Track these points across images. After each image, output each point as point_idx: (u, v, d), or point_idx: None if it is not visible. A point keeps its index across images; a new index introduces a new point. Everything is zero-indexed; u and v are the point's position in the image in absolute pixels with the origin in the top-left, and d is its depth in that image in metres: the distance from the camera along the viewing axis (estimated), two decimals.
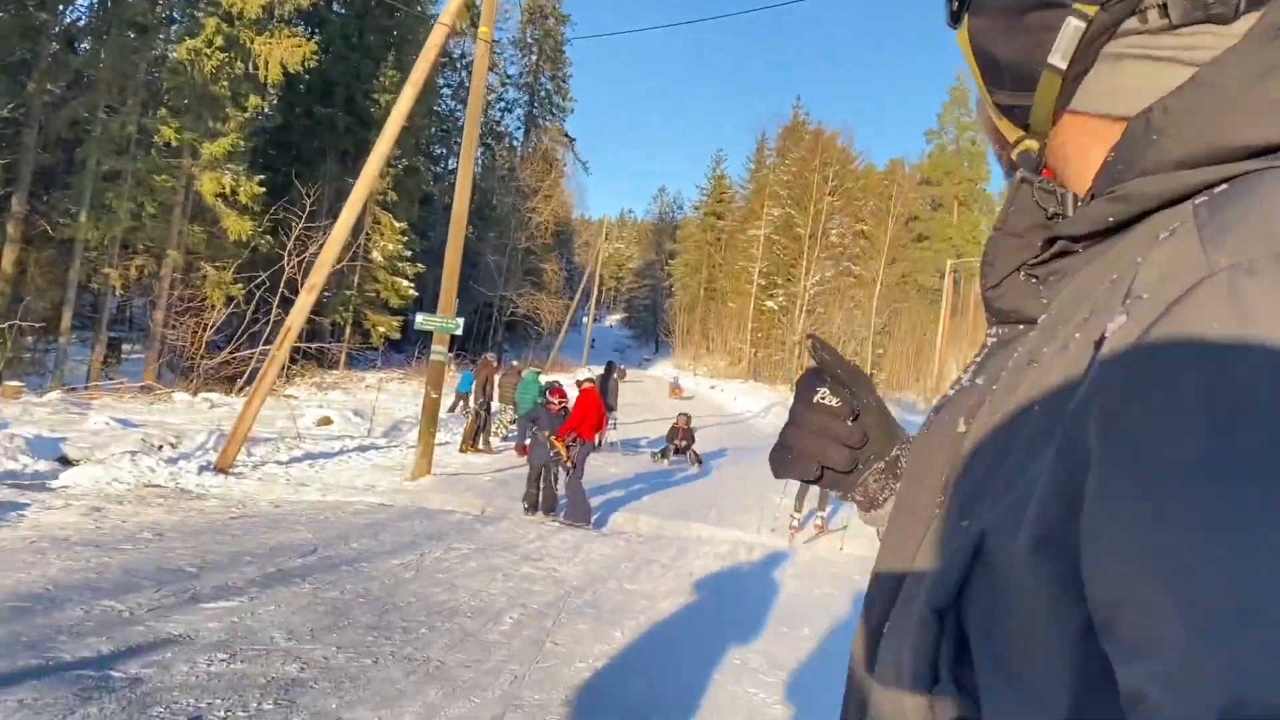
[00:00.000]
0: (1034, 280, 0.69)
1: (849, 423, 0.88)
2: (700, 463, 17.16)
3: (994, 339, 0.72)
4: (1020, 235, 0.70)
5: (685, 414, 18.43)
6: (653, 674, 5.30)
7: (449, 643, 5.37)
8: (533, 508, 10.81)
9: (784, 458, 0.90)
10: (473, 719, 4.31)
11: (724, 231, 62.99)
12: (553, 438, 10.45)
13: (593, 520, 10.65)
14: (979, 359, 0.72)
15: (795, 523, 11.38)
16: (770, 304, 51.72)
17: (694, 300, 62.29)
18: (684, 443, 17.42)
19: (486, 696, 4.61)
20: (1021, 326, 0.69)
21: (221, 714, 4.00)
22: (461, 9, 12.69)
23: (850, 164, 53.19)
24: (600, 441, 16.17)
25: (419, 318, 13.48)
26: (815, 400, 0.89)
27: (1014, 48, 0.66)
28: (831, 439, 0.88)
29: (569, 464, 10.55)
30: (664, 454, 17.51)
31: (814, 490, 11.20)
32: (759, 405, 39.34)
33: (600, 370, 23.85)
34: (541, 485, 10.90)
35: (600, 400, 11.76)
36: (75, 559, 6.19)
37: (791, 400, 0.93)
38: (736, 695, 5.14)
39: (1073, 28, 0.61)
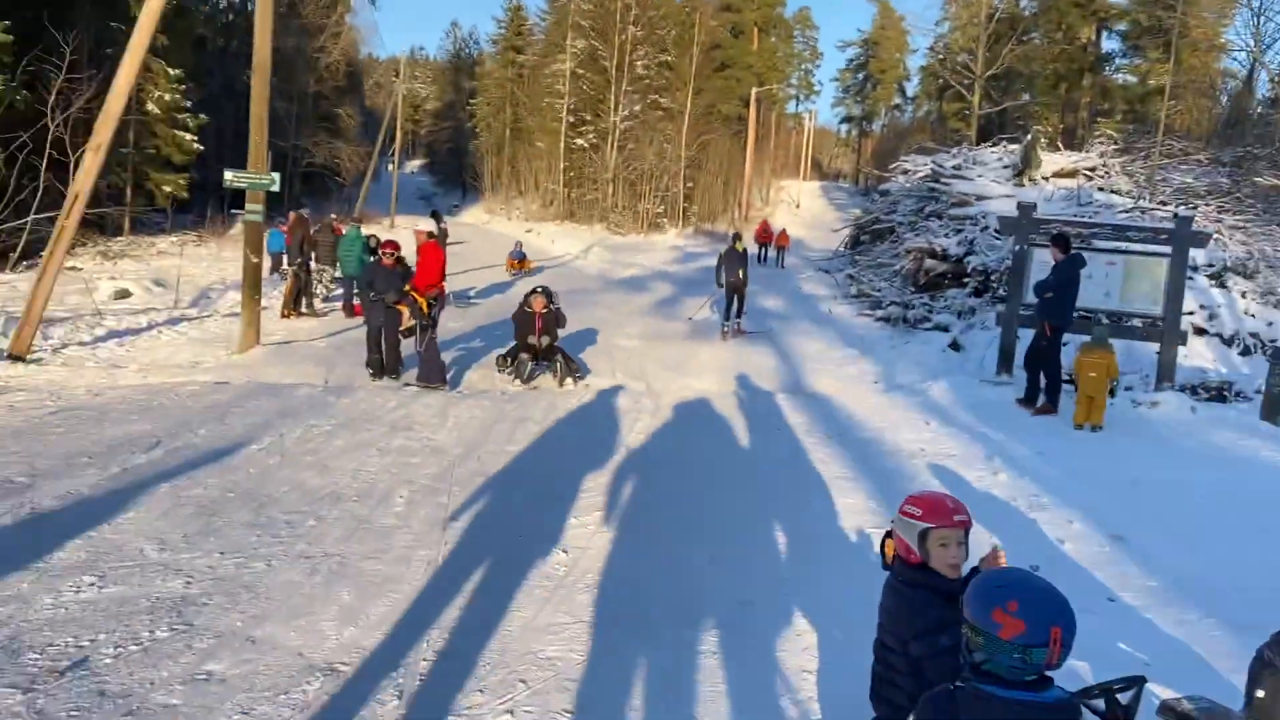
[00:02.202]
0: None
1: None
2: (578, 375, 10.75)
3: None
4: None
5: (542, 291, 11.04)
6: (572, 538, 5.07)
7: (343, 533, 4.94)
8: (379, 372, 10.19)
9: None
10: (400, 618, 3.95)
11: (525, 67, 60.47)
12: (414, 294, 9.72)
13: (447, 380, 10.16)
14: None
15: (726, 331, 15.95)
16: (580, 142, 50.48)
17: (500, 141, 60.06)
18: (543, 340, 10.59)
19: (404, 590, 4.25)
20: None
21: (111, 650, 3.48)
22: None
23: None
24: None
25: (228, 174, 12.13)
26: None
27: None
28: None
29: (428, 322, 9.93)
30: (511, 360, 10.53)
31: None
32: (578, 247, 38.94)
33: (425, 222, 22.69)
34: (385, 347, 10.27)
35: (443, 253, 11.03)
36: None
37: None
38: (657, 544, 4.99)
39: None
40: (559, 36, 53.47)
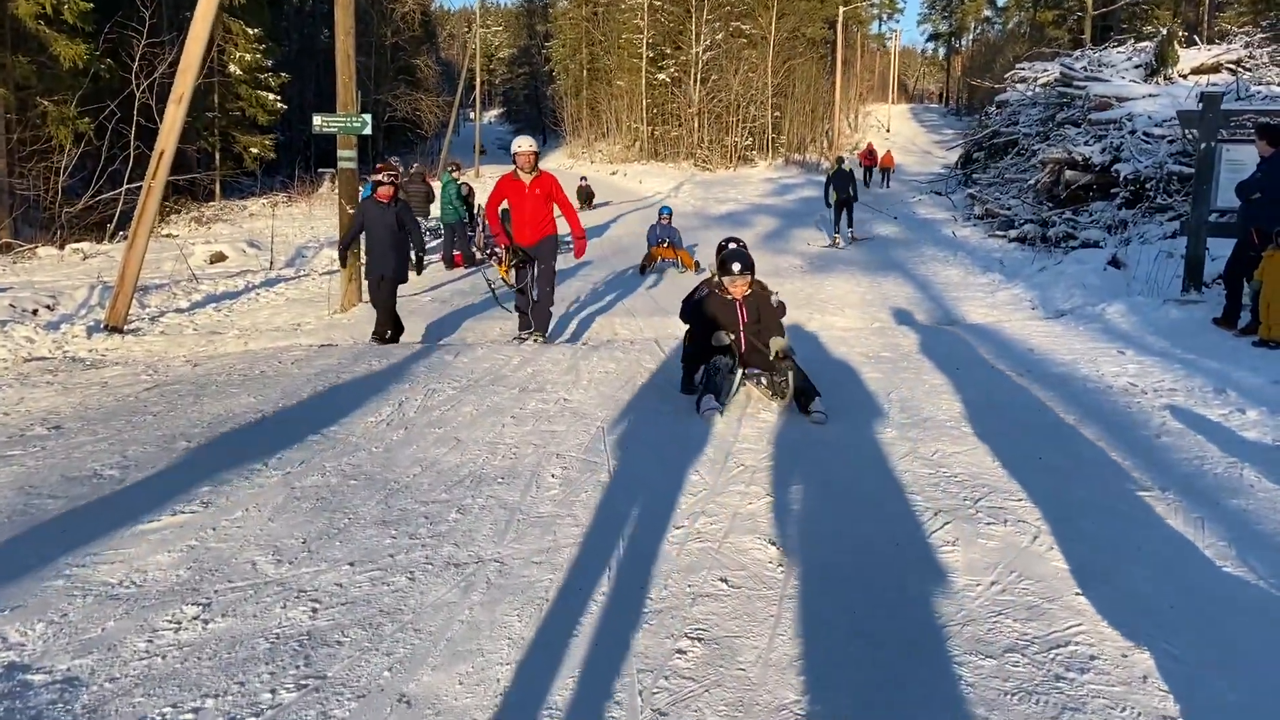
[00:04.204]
0: None
1: None
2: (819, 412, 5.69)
3: None
4: None
5: (737, 248, 6.56)
6: (774, 523, 4.03)
7: (494, 528, 3.97)
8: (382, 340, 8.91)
9: None
10: (592, 654, 2.97)
11: (600, 4, 58.84)
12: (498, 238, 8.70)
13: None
14: None
15: (838, 238, 18.41)
16: (662, 76, 48.79)
17: (578, 84, 58.63)
18: (771, 341, 5.97)
19: (587, 607, 3.26)
20: None
21: None
22: None
23: None
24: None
25: (317, 119, 11.28)
26: None
27: None
28: None
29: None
30: (706, 380, 5.95)
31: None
32: (667, 185, 37.66)
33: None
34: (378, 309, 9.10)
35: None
36: None
37: None
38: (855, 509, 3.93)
39: None
40: None
